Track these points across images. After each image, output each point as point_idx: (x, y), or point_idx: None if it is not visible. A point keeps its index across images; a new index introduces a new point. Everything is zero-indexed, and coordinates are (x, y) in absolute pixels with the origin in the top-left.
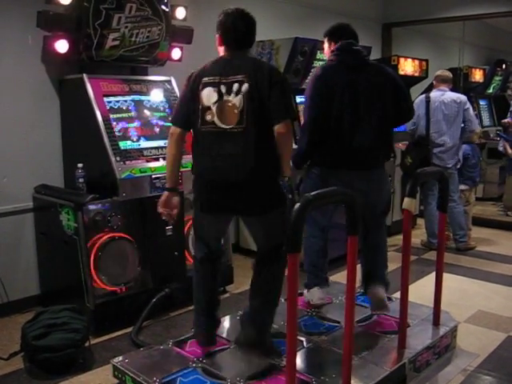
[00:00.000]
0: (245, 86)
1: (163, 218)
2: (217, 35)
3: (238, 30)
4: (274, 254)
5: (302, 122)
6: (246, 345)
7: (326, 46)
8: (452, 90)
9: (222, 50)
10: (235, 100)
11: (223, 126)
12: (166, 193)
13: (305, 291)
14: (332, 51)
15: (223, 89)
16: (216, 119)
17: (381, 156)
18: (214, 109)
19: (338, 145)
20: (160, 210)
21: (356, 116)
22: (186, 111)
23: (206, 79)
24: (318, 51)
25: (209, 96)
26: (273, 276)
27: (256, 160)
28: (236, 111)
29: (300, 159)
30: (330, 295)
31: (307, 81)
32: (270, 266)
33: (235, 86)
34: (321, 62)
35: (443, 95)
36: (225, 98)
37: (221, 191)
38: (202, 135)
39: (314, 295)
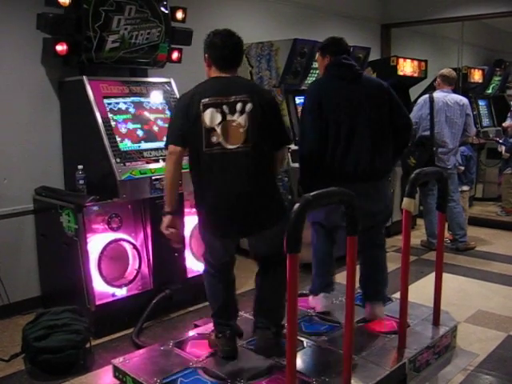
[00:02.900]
0: (248, 106)
1: (170, 239)
2: (205, 55)
3: (228, 48)
4: (277, 258)
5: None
6: (268, 347)
7: (319, 58)
8: (453, 90)
9: (212, 71)
10: (240, 119)
11: (229, 147)
12: (168, 217)
13: (310, 297)
14: (326, 66)
15: (226, 109)
16: (222, 140)
17: (381, 168)
18: (218, 130)
19: (340, 159)
20: (166, 231)
21: (354, 128)
22: (183, 128)
23: (205, 100)
24: (317, 52)
25: (212, 117)
26: (281, 275)
27: (266, 176)
28: (242, 130)
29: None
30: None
31: (307, 81)
32: (276, 267)
33: (239, 106)
34: None
35: (446, 96)
36: (228, 117)
37: (236, 213)
38: (207, 158)
39: (318, 303)
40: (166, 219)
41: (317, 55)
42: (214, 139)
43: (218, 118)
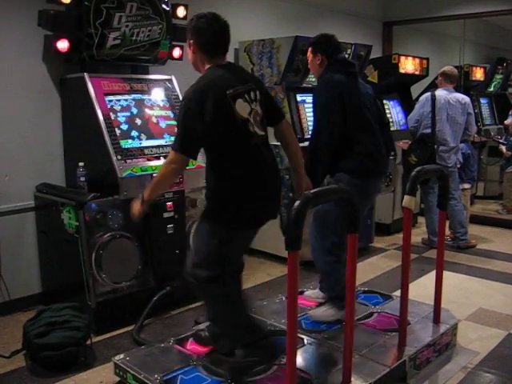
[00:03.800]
0: (258, 94)
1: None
2: (190, 41)
3: (215, 33)
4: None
5: (316, 133)
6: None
7: (310, 56)
8: (454, 88)
9: (199, 58)
10: (257, 108)
11: (260, 134)
12: (145, 205)
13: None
14: (330, 63)
15: (247, 98)
16: (256, 129)
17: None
18: (251, 119)
19: (373, 152)
20: (136, 212)
21: (376, 122)
22: (200, 137)
23: (230, 91)
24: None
25: (243, 107)
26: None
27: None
28: (259, 118)
29: (322, 172)
30: None
31: (308, 79)
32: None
33: (252, 94)
34: None
35: (449, 95)
36: (252, 106)
37: (268, 200)
38: (251, 148)
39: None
40: (144, 206)
41: (308, 52)
42: (252, 129)
43: (247, 107)
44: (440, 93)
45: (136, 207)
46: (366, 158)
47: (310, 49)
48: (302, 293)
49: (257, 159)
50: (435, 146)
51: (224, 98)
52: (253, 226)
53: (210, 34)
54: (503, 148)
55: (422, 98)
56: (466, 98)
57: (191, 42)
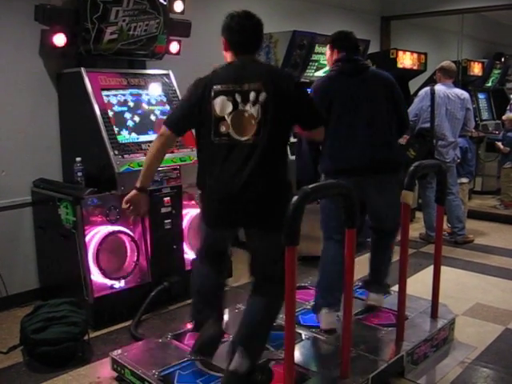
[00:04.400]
0: (262, 96)
1: (128, 213)
2: (222, 39)
3: (244, 32)
4: (273, 285)
5: None
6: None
7: (328, 52)
8: (454, 83)
9: (228, 56)
10: (252, 110)
11: (238, 138)
12: (134, 191)
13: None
14: (334, 61)
15: (238, 98)
16: (231, 131)
17: (391, 160)
18: (228, 120)
19: (352, 151)
20: (124, 206)
21: (362, 122)
22: (185, 116)
23: (217, 87)
24: (317, 44)
25: (222, 106)
26: (270, 298)
27: (272, 173)
28: (253, 122)
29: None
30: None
31: (306, 73)
32: (268, 286)
33: (252, 96)
34: (319, 56)
35: (448, 90)
36: (240, 107)
37: (236, 205)
38: (214, 147)
39: (321, 319)
40: (133, 194)
41: (326, 48)
42: (223, 129)
43: (229, 107)
44: (439, 88)
45: (130, 198)
46: (330, 157)
47: (328, 45)
48: (299, 288)
49: (224, 160)
50: (434, 141)
51: (208, 92)
52: (213, 225)
53: (239, 34)
54: (499, 144)
55: (421, 92)
56: (465, 94)
57: (223, 39)
